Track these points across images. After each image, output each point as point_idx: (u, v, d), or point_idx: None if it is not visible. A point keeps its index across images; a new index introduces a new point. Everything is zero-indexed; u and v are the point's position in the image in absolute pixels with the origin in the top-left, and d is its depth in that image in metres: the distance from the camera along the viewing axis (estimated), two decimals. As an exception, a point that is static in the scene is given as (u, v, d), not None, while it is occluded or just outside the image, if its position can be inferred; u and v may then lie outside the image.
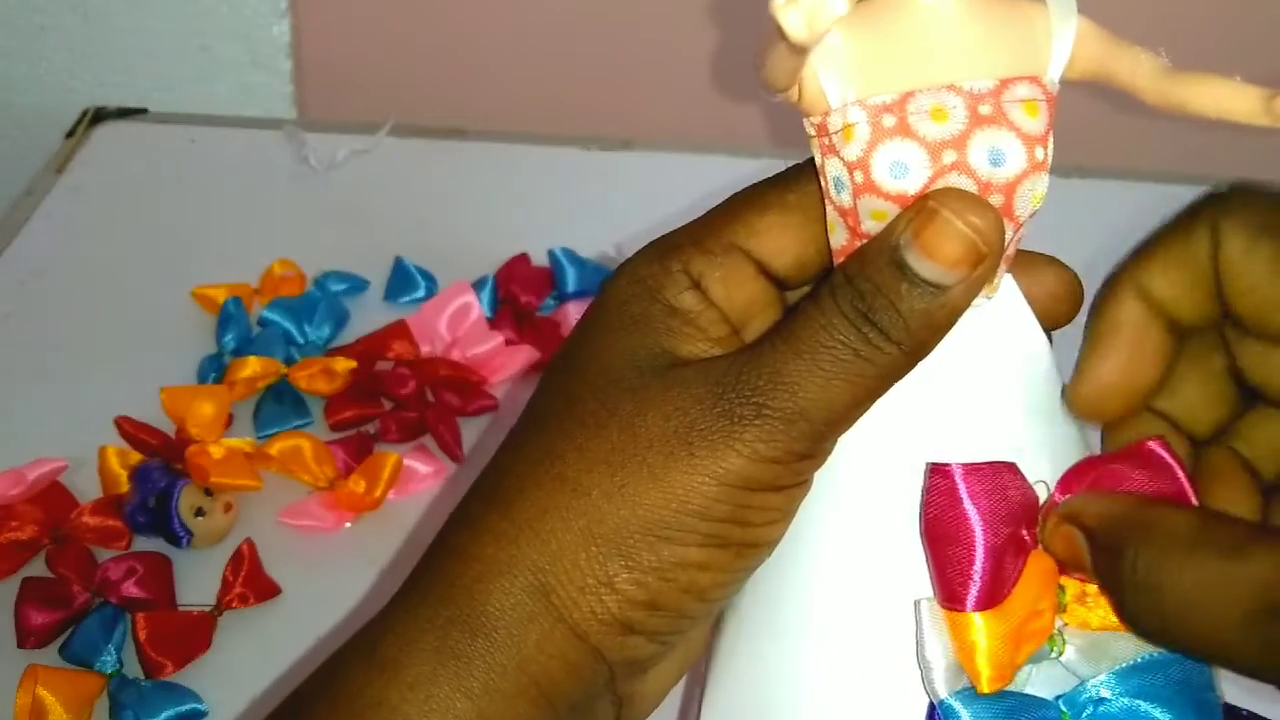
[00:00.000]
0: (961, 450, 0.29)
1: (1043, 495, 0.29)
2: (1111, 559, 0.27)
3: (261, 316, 0.61)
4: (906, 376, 0.28)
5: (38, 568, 0.49)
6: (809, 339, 0.28)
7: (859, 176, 0.28)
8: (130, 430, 0.54)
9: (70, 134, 0.74)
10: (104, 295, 0.63)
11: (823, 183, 0.29)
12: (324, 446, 0.54)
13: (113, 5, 0.74)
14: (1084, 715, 0.30)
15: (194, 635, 0.47)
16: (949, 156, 0.27)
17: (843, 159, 0.28)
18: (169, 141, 0.74)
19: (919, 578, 0.29)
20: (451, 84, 0.78)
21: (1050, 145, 0.29)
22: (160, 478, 0.50)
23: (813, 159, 0.29)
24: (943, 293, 0.27)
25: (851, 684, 0.30)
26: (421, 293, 0.64)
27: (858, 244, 0.29)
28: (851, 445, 0.30)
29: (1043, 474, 0.30)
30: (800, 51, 0.25)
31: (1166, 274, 0.30)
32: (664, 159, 0.74)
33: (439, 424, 0.56)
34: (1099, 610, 0.30)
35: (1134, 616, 0.27)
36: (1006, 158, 0.28)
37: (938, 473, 0.28)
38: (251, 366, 0.57)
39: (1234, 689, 0.47)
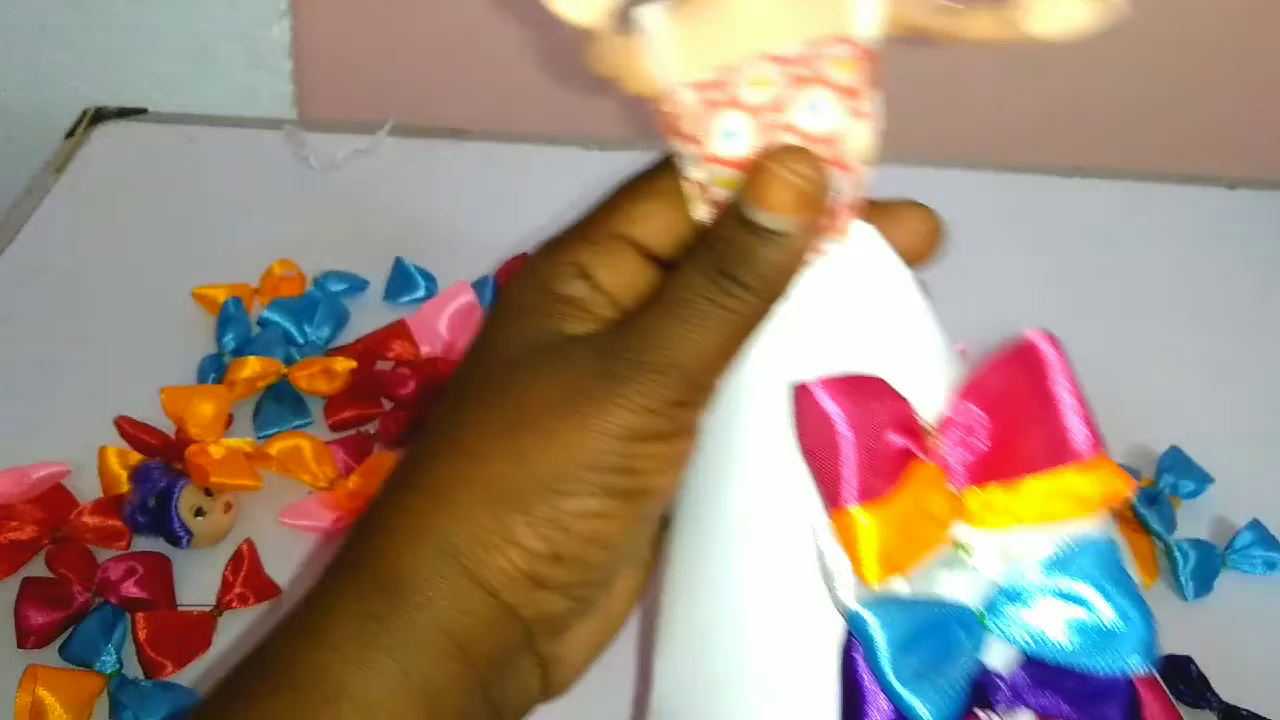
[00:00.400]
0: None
1: (925, 409, 0.31)
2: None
3: (261, 316, 0.61)
4: (781, 325, 0.31)
5: (38, 568, 0.49)
6: (674, 299, 0.31)
7: (698, 149, 0.31)
8: (130, 430, 0.54)
9: (70, 134, 0.74)
10: (104, 295, 0.63)
11: (679, 163, 0.32)
12: (324, 446, 0.54)
13: (113, 5, 0.74)
14: (1003, 613, 0.31)
15: (194, 635, 0.47)
16: (772, 118, 0.30)
17: (684, 136, 0.31)
18: (169, 141, 0.74)
19: (817, 508, 0.31)
20: (451, 84, 0.78)
21: (870, 97, 0.31)
22: (160, 478, 0.50)
23: None
24: (784, 238, 0.30)
25: (784, 616, 0.32)
26: (421, 293, 0.64)
27: (715, 212, 0.32)
28: (742, 398, 0.32)
29: (919, 390, 0.32)
30: (594, 35, 0.29)
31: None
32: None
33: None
34: (1006, 513, 0.31)
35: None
36: (823, 112, 0.30)
37: (800, 391, 0.31)
38: (251, 366, 0.57)
39: (1234, 688, 0.47)
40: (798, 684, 0.32)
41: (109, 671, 0.46)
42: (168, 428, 0.55)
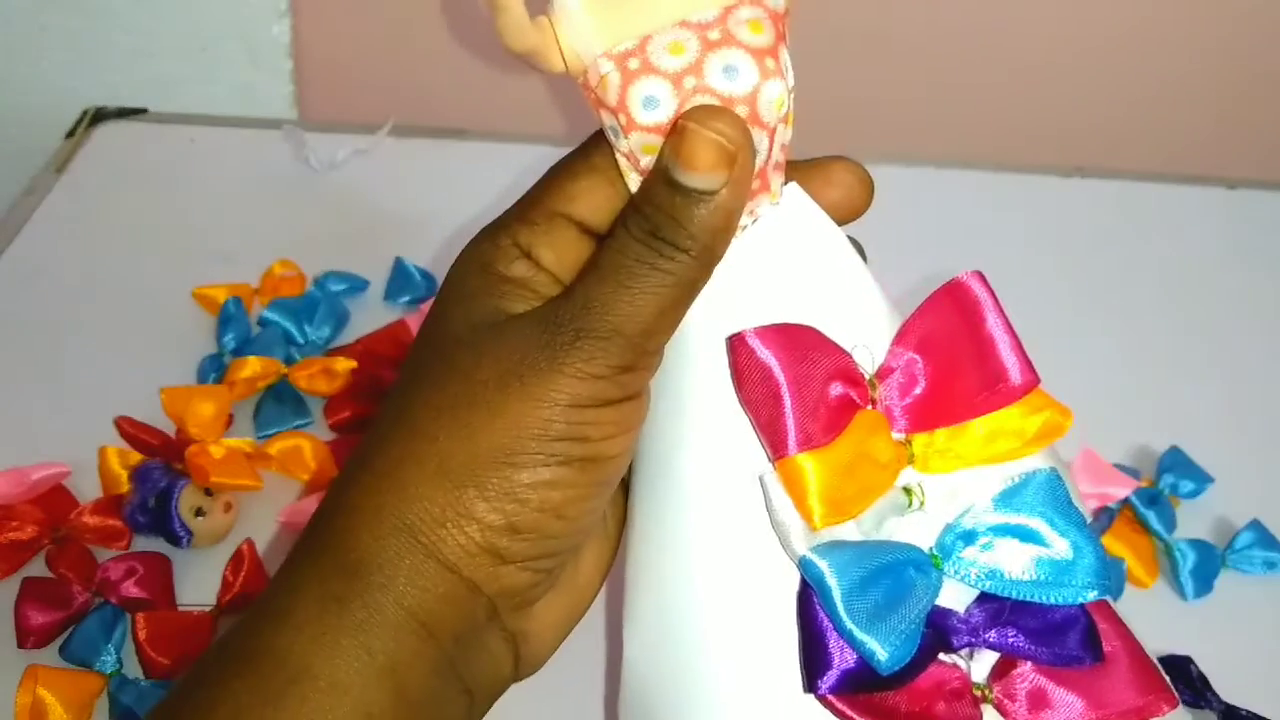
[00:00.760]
0: None
1: (862, 357, 0.32)
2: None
3: (261, 316, 0.61)
4: (720, 288, 0.32)
5: (38, 568, 0.49)
6: (611, 265, 0.31)
7: (623, 118, 0.31)
8: (130, 430, 0.54)
9: (70, 134, 0.74)
10: (104, 295, 0.63)
11: (608, 137, 0.32)
12: (324, 446, 0.54)
13: (113, 5, 0.74)
14: (955, 554, 0.31)
15: (194, 635, 0.47)
16: (690, 82, 0.31)
17: (608, 108, 0.32)
18: (169, 141, 0.74)
19: (763, 458, 0.32)
20: (451, 84, 0.78)
21: (783, 56, 0.31)
22: (160, 478, 0.50)
23: None
24: (713, 197, 0.30)
25: (741, 572, 0.32)
26: (421, 293, 0.64)
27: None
28: (685, 361, 0.33)
29: (858, 342, 0.32)
30: (501, 10, 0.29)
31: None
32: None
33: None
34: (951, 455, 0.32)
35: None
36: (739, 72, 0.31)
37: (734, 341, 0.31)
38: (251, 366, 0.57)
39: (1234, 688, 0.47)
40: (758, 637, 0.32)
41: (109, 671, 0.46)
42: (168, 428, 0.55)
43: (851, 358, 0.32)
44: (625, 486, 0.36)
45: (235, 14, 0.75)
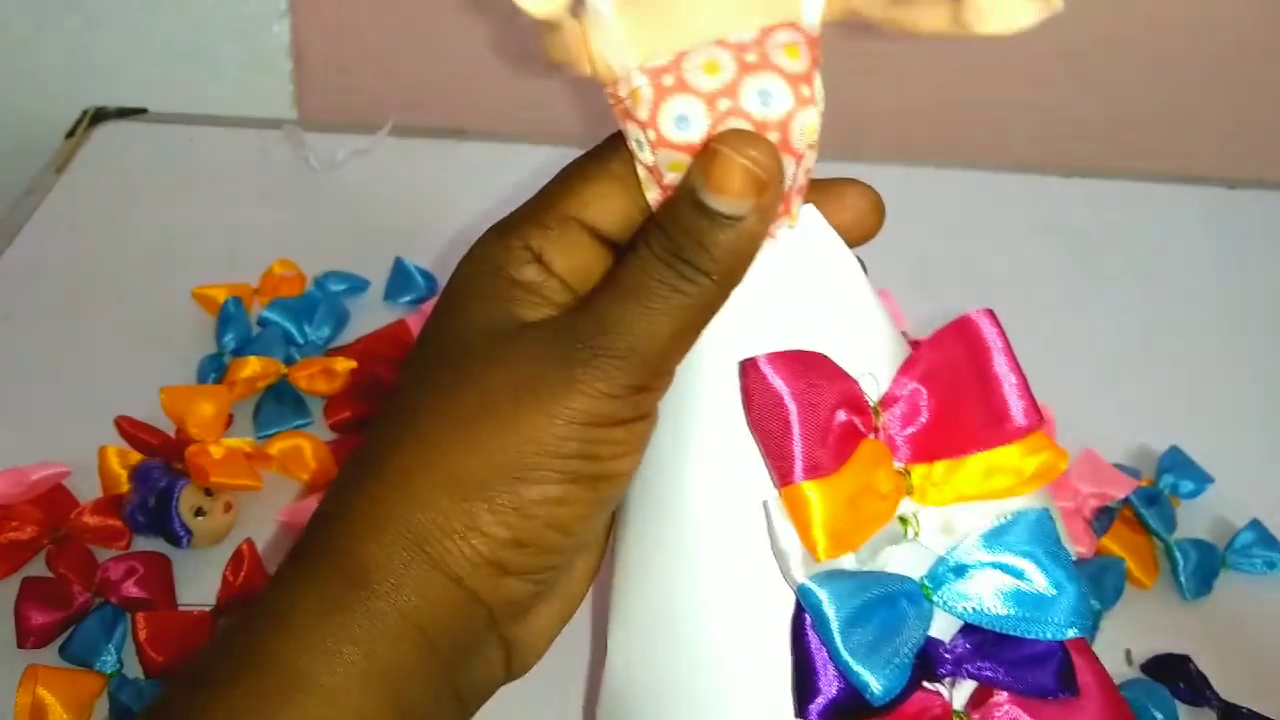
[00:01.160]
0: None
1: (868, 385, 0.32)
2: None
3: (261, 316, 0.61)
4: (734, 309, 0.31)
5: (38, 568, 0.49)
6: (631, 283, 0.31)
7: (652, 134, 0.31)
8: (130, 430, 0.54)
9: (70, 134, 0.74)
10: (104, 295, 0.63)
11: (630, 146, 0.32)
12: (324, 446, 0.54)
13: (112, 5, 0.74)
14: (945, 586, 0.32)
15: (194, 635, 0.47)
16: (724, 104, 0.30)
17: (636, 121, 0.31)
18: (169, 141, 0.74)
19: (768, 485, 0.32)
20: (451, 84, 0.78)
21: (816, 83, 0.31)
22: (160, 478, 0.50)
23: None
24: (739, 223, 0.30)
25: (737, 591, 0.32)
26: (421, 293, 0.64)
27: (667, 196, 0.32)
28: (695, 378, 0.32)
29: (865, 369, 0.32)
30: (553, 26, 0.29)
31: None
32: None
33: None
34: (948, 488, 0.32)
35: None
36: (775, 97, 0.30)
37: (747, 366, 0.31)
38: (251, 366, 0.57)
39: (1234, 688, 0.47)
40: (749, 656, 0.32)
41: (109, 671, 0.46)
42: (168, 428, 0.55)
43: (859, 385, 0.32)
44: None
45: (235, 14, 0.75)
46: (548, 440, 0.30)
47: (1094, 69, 0.74)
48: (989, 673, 0.32)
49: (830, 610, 0.30)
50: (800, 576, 0.31)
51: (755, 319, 0.32)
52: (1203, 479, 0.55)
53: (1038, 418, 0.32)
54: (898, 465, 0.32)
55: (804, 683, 0.31)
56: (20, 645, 0.46)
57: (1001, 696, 0.32)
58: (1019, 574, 0.32)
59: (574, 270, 0.33)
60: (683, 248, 0.30)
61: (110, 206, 0.69)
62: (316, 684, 0.29)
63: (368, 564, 0.30)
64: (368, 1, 0.75)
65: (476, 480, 0.30)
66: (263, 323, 0.60)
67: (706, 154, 0.30)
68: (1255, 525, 0.53)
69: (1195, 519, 0.54)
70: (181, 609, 0.48)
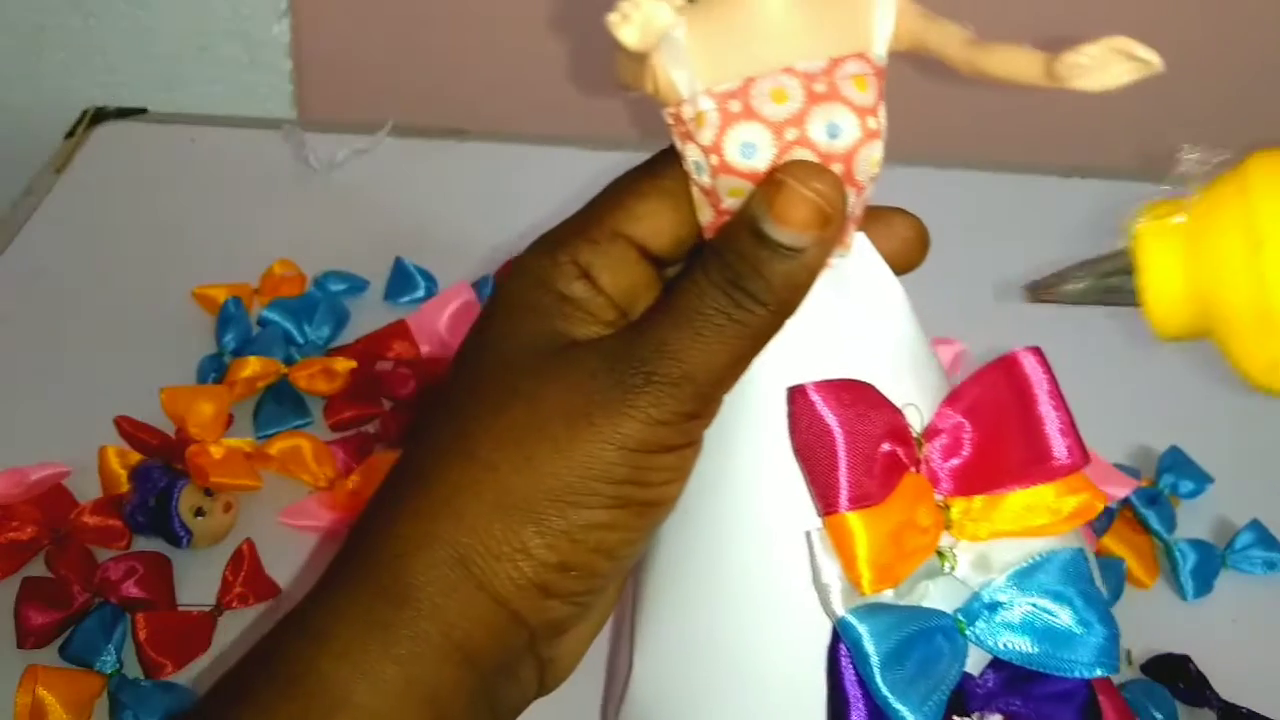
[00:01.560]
0: None
1: (912, 417, 0.32)
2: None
3: (261, 316, 0.61)
4: (782, 335, 0.31)
5: (38, 568, 0.49)
6: (687, 310, 0.30)
7: (714, 159, 0.30)
8: (130, 430, 0.54)
9: (70, 134, 0.74)
10: (104, 295, 0.63)
11: (686, 166, 0.31)
12: (324, 446, 0.54)
13: (113, 5, 0.74)
14: (979, 621, 0.32)
15: (194, 635, 0.47)
16: (791, 133, 0.30)
17: (699, 144, 0.30)
18: (169, 141, 0.74)
19: (810, 513, 0.32)
20: (451, 84, 0.78)
21: (882, 115, 0.31)
22: (160, 478, 0.50)
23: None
24: (799, 254, 0.30)
25: (772, 616, 0.32)
26: (421, 293, 0.64)
27: (722, 220, 0.31)
28: (741, 402, 0.32)
29: (909, 399, 0.32)
30: (641, 57, 0.28)
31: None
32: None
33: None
34: (985, 523, 0.32)
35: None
36: (842, 130, 0.30)
37: (795, 394, 0.31)
38: (251, 366, 0.57)
39: (1233, 688, 0.47)
40: (782, 685, 0.32)
41: (109, 671, 0.46)
42: (168, 428, 0.55)
43: (904, 417, 0.32)
44: None
45: (235, 14, 0.75)
46: (599, 465, 0.30)
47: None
48: (1017, 708, 0.32)
49: (870, 647, 0.30)
50: (840, 610, 0.31)
51: (803, 346, 0.32)
52: (1203, 479, 0.55)
53: (1081, 456, 0.32)
54: (938, 498, 0.32)
55: (838, 714, 0.31)
56: (20, 645, 0.46)
57: None
58: (1050, 613, 0.32)
59: (620, 287, 0.32)
60: (740, 276, 0.30)
61: (110, 206, 0.69)
62: (357, 704, 0.29)
63: (412, 582, 0.30)
64: (368, 1, 0.75)
65: (526, 502, 0.30)
66: (263, 323, 0.60)
67: (771, 184, 0.30)
68: (1255, 525, 0.53)
69: (1195, 519, 0.54)
70: (181, 609, 0.48)
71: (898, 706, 0.30)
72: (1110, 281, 0.29)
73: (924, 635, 0.31)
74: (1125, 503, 0.53)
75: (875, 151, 0.30)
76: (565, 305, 0.32)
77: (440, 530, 0.30)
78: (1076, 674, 0.32)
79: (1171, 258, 0.28)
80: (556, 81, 0.77)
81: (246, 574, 0.48)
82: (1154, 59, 0.28)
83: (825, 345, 0.32)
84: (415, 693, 0.29)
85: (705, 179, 0.31)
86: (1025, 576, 0.32)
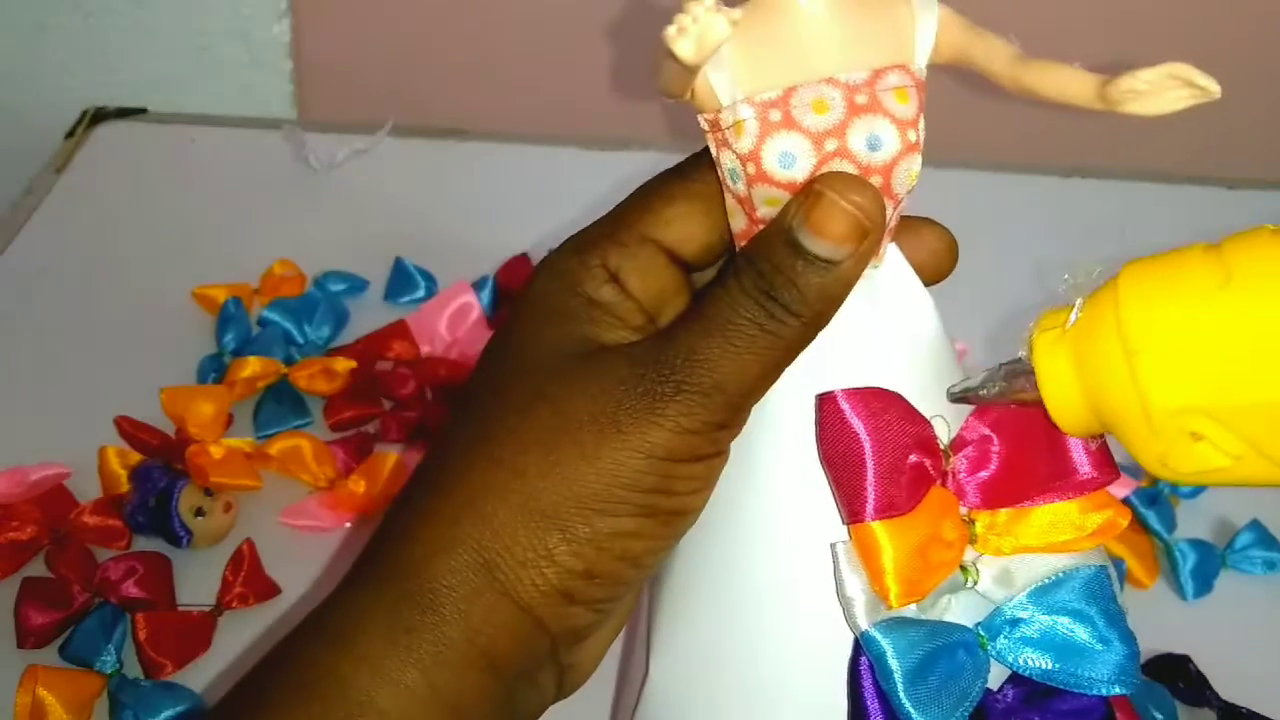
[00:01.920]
0: None
1: (940, 429, 0.32)
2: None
3: (261, 316, 0.61)
4: (817, 346, 0.31)
5: (38, 568, 0.49)
6: (719, 319, 0.30)
7: (751, 168, 0.30)
8: (130, 430, 0.54)
9: (70, 134, 0.74)
10: (104, 295, 0.63)
11: (720, 173, 0.31)
12: (324, 446, 0.54)
13: (113, 5, 0.74)
14: (1000, 637, 0.32)
15: (194, 635, 0.47)
16: (831, 144, 0.30)
17: (736, 152, 0.30)
18: (169, 141, 0.74)
19: (834, 523, 0.31)
20: (451, 84, 0.78)
21: (921, 127, 0.30)
22: (160, 478, 0.50)
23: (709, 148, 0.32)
24: (835, 267, 0.30)
25: (792, 625, 0.32)
26: (421, 293, 0.64)
27: (756, 228, 0.31)
28: (767, 409, 0.32)
29: (937, 412, 0.32)
30: (692, 70, 0.28)
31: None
32: (663, 159, 0.73)
33: (439, 424, 0.56)
34: (1009, 538, 0.32)
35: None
36: (883, 142, 0.30)
37: (824, 400, 0.31)
38: (251, 366, 0.57)
39: (1233, 687, 0.47)
40: (802, 696, 0.32)
41: (109, 671, 0.46)
42: (168, 428, 0.55)
43: (932, 428, 0.32)
44: None
45: (235, 14, 0.75)
46: (627, 474, 0.29)
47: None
48: None
49: (894, 663, 0.30)
50: (864, 624, 0.31)
51: (832, 356, 0.32)
52: (1203, 479, 0.55)
53: (1109, 472, 0.32)
54: (962, 511, 0.32)
55: None
56: (20, 645, 0.46)
57: None
58: (1071, 629, 0.32)
59: (649, 292, 0.32)
60: (774, 286, 0.30)
61: (110, 206, 0.69)
62: (379, 710, 0.28)
63: (436, 587, 0.29)
64: (368, 2, 0.75)
65: (552, 509, 0.30)
66: (263, 323, 0.60)
67: (809, 195, 0.29)
68: (1255, 525, 0.53)
69: (1195, 519, 0.54)
70: (181, 609, 0.48)
71: None
72: (1016, 384, 0.30)
73: (947, 650, 0.31)
74: (1125, 503, 0.53)
75: (914, 165, 0.30)
76: (593, 309, 0.32)
77: (465, 534, 0.30)
78: (1095, 691, 0.32)
79: (1062, 365, 0.29)
80: (557, 82, 0.77)
81: (246, 574, 0.48)
82: (1213, 86, 0.27)
83: (854, 355, 0.32)
84: (438, 699, 0.29)
85: (740, 187, 0.30)
86: (1047, 592, 0.32)
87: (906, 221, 0.33)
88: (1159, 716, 0.45)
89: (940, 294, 0.34)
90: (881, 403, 0.31)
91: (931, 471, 0.31)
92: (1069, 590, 0.32)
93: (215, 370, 0.58)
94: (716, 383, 0.29)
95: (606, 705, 0.44)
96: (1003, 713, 0.32)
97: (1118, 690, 0.32)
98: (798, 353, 0.30)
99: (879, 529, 0.30)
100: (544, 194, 0.71)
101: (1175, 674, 0.47)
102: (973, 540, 0.32)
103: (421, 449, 0.55)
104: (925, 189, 0.32)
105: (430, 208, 0.70)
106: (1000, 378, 0.31)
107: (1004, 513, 0.32)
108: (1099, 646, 0.32)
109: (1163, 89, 0.28)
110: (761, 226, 0.31)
